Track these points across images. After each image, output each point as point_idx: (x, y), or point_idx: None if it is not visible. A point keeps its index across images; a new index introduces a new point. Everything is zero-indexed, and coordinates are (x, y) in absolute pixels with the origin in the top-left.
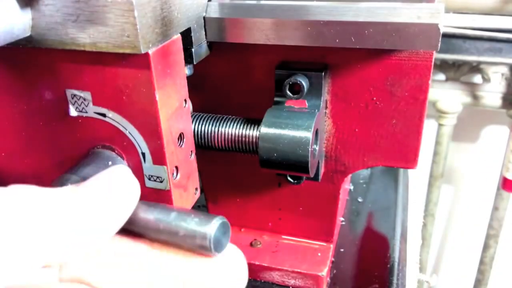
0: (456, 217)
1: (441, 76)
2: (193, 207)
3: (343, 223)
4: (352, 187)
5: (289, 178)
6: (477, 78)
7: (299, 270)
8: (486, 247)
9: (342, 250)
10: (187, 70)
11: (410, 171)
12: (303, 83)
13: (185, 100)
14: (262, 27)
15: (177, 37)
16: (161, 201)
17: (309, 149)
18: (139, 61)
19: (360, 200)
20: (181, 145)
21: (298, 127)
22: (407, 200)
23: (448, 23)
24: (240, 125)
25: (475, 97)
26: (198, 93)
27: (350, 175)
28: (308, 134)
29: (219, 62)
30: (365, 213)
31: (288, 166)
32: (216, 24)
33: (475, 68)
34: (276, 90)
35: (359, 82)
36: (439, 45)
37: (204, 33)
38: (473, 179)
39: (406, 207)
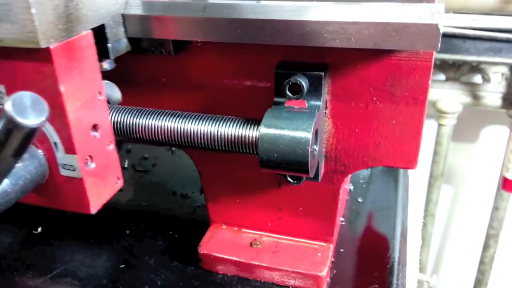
0: (456, 217)
1: (441, 76)
2: (194, 207)
3: (343, 223)
4: (352, 187)
5: (289, 178)
6: (477, 78)
7: (299, 270)
8: (486, 247)
9: (342, 250)
10: (106, 65)
11: (410, 171)
12: (303, 83)
13: (100, 92)
14: (179, 24)
15: (87, 33)
16: (75, 189)
17: (309, 149)
18: (43, 55)
19: (360, 200)
20: (96, 136)
21: (298, 127)
22: (407, 200)
23: (448, 23)
24: (240, 126)
25: (475, 97)
26: (199, 93)
27: (350, 175)
28: (308, 135)
29: (220, 61)
30: (365, 213)
31: (288, 166)
32: (135, 21)
33: (475, 68)
34: (276, 90)
35: (359, 82)
36: (439, 45)
37: (123, 29)
38: (473, 179)
39: (406, 207)
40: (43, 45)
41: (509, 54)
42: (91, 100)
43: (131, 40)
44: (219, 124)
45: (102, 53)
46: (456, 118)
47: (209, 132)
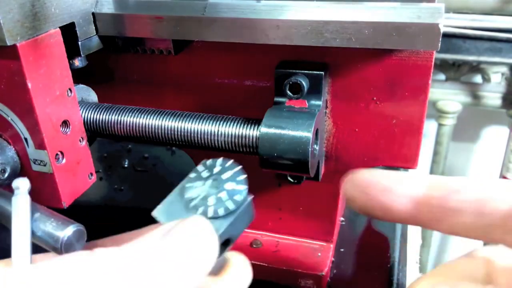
0: None
1: (441, 76)
2: None
3: (343, 223)
4: None
5: (289, 178)
6: (477, 78)
7: (299, 270)
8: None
9: (342, 250)
10: (77, 62)
11: (410, 171)
12: (303, 83)
13: (70, 90)
14: (150, 22)
15: (55, 30)
16: (47, 184)
17: (309, 149)
18: (9, 52)
19: None
20: (66, 132)
21: (298, 127)
22: None
23: (448, 23)
24: (240, 125)
25: (475, 97)
26: (199, 93)
27: None
28: (308, 134)
29: (220, 61)
30: None
31: (288, 166)
32: (105, 19)
33: (475, 68)
34: (276, 90)
35: (359, 82)
36: (439, 45)
37: (94, 27)
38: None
39: None
40: (9, 42)
41: (509, 54)
42: (60, 96)
43: (131, 40)
44: (219, 124)
45: (73, 51)
46: (456, 118)
47: (209, 132)
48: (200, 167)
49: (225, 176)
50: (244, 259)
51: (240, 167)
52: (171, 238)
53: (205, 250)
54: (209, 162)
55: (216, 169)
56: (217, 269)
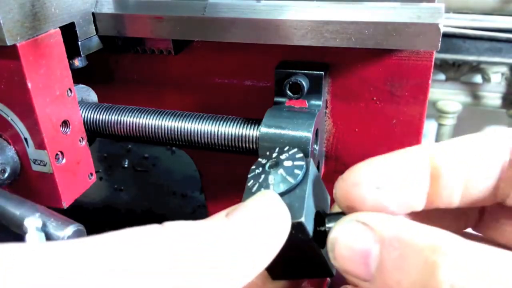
0: None
1: (441, 76)
2: (194, 207)
3: None
4: None
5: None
6: (477, 78)
7: None
8: None
9: None
10: (77, 62)
11: None
12: (303, 83)
13: (70, 90)
14: (150, 22)
15: (55, 30)
16: (47, 184)
17: (309, 149)
18: (9, 52)
19: None
20: (66, 132)
21: (298, 127)
22: None
23: (448, 23)
24: (241, 125)
25: (475, 97)
26: (199, 93)
27: None
28: (308, 134)
29: (220, 61)
30: None
31: None
32: (105, 19)
33: (475, 68)
34: (276, 90)
35: (360, 82)
36: (439, 45)
37: (94, 27)
38: None
39: None
40: (9, 42)
41: (509, 54)
42: (60, 96)
43: (131, 40)
44: (219, 124)
45: (73, 51)
46: (456, 118)
47: (209, 132)
48: (260, 158)
49: (283, 156)
50: None
51: (296, 149)
52: (237, 214)
53: (276, 223)
54: (267, 152)
55: (274, 154)
56: (333, 267)
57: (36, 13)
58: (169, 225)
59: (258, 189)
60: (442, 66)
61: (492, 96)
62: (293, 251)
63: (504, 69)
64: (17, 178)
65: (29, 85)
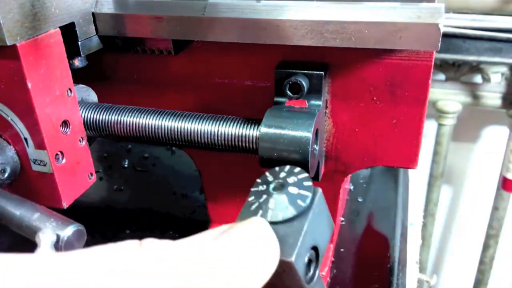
0: (456, 217)
1: (441, 76)
2: (194, 207)
3: (343, 223)
4: (352, 187)
5: None
6: (477, 78)
7: None
8: (486, 247)
9: (342, 250)
10: (77, 62)
11: (410, 171)
12: (303, 83)
13: (70, 90)
14: (150, 22)
15: (55, 30)
16: (47, 184)
17: (309, 149)
18: (9, 52)
19: (360, 200)
20: (66, 132)
21: (298, 127)
22: (407, 200)
23: (448, 23)
24: (240, 125)
25: (475, 97)
26: (199, 93)
27: (350, 175)
28: (308, 134)
29: (220, 61)
30: (365, 213)
31: None
32: (105, 19)
33: (475, 68)
34: (276, 90)
35: (359, 82)
36: (439, 45)
37: (94, 27)
38: (473, 179)
39: (406, 207)
40: (9, 42)
41: (509, 54)
42: (60, 96)
43: (131, 40)
44: (219, 124)
45: (73, 51)
46: (456, 118)
47: (209, 132)
48: (267, 173)
49: (290, 180)
50: None
51: (307, 174)
52: (223, 239)
53: (264, 255)
54: (277, 168)
55: (282, 174)
56: None
57: (36, 13)
58: (147, 244)
59: (257, 210)
60: (442, 66)
61: (492, 96)
62: (276, 284)
63: (504, 69)
64: (17, 178)
65: (29, 85)
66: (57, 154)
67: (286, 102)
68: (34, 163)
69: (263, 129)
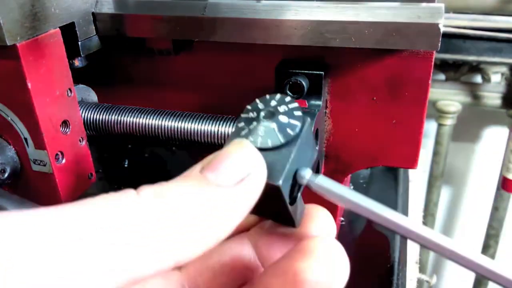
0: (456, 217)
1: (441, 76)
2: None
3: (343, 223)
4: (352, 187)
5: None
6: (477, 78)
7: None
8: (486, 247)
9: None
10: (78, 62)
11: (410, 171)
12: (303, 82)
13: (70, 90)
14: (150, 22)
15: (55, 30)
16: (47, 184)
17: None
18: (9, 52)
19: None
20: (66, 132)
21: None
22: (407, 200)
23: (448, 23)
24: None
25: (475, 97)
26: (199, 93)
27: (350, 175)
28: None
29: (220, 61)
30: None
31: None
32: (105, 19)
33: (475, 68)
34: (276, 89)
35: (359, 82)
36: (439, 45)
37: (94, 27)
38: (473, 179)
39: (406, 207)
40: (9, 42)
41: (509, 54)
42: (60, 96)
43: (131, 40)
44: (219, 124)
45: (73, 51)
46: (456, 118)
47: (209, 132)
48: (258, 100)
49: (281, 109)
50: (328, 213)
51: (297, 104)
52: (212, 165)
53: (252, 177)
54: (267, 96)
55: (273, 102)
56: (298, 221)
57: (36, 13)
58: (144, 192)
59: (246, 136)
60: (442, 66)
61: (492, 96)
62: (263, 203)
63: (504, 69)
64: (17, 178)
65: (29, 85)
66: (57, 154)
67: None
68: (34, 163)
69: None
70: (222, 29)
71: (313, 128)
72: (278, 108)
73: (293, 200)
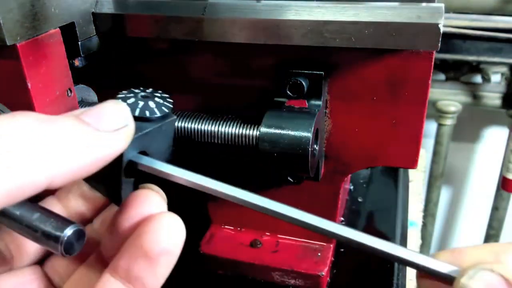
0: (456, 217)
1: (441, 76)
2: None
3: (343, 223)
4: (352, 187)
5: (289, 178)
6: (477, 78)
7: (299, 270)
8: None
9: (342, 250)
10: (78, 62)
11: (410, 171)
12: (303, 83)
13: (70, 90)
14: (150, 22)
15: (55, 30)
16: None
17: (309, 149)
18: (9, 52)
19: (360, 200)
20: None
21: (298, 127)
22: (407, 200)
23: (448, 23)
24: (240, 125)
25: (475, 97)
26: (199, 93)
27: (350, 175)
28: (308, 134)
29: (219, 61)
30: (365, 213)
31: (288, 166)
32: (105, 19)
33: (475, 68)
34: (276, 90)
35: (359, 82)
36: (439, 45)
37: (94, 27)
38: (473, 179)
39: (406, 207)
40: (9, 42)
41: (509, 54)
42: (60, 96)
43: (131, 40)
44: (219, 124)
45: (73, 51)
46: (456, 118)
47: (209, 132)
48: (131, 89)
49: (156, 95)
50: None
51: (169, 97)
52: (87, 115)
53: (128, 129)
54: (141, 88)
55: (148, 90)
56: (123, 198)
57: (36, 13)
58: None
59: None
60: (442, 66)
61: (492, 96)
62: (101, 170)
63: (504, 69)
64: None
65: (29, 85)
66: None
67: (286, 102)
68: None
69: (263, 129)
70: (222, 29)
71: (313, 128)
72: (154, 94)
73: (128, 174)
